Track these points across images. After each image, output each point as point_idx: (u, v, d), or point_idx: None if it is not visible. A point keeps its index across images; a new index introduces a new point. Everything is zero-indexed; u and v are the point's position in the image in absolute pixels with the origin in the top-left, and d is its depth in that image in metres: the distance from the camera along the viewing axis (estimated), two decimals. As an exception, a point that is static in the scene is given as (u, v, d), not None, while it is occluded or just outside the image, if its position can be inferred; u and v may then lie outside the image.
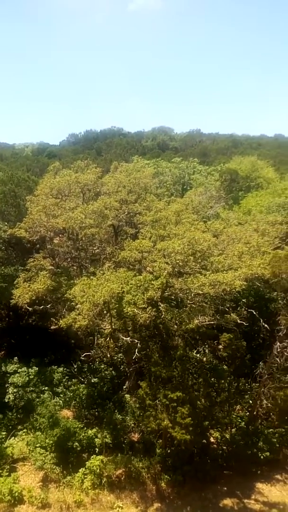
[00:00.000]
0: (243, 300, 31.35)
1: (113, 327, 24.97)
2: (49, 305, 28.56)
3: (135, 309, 22.10)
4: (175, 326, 26.21)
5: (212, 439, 25.33)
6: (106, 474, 22.83)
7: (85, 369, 29.73)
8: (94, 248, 31.68)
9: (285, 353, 24.12)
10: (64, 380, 28.79)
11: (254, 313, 28.53)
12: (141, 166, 45.45)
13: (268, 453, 24.04)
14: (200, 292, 23.26)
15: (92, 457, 23.19)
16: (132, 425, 25.76)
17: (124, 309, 22.68)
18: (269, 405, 25.11)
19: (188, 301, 24.31)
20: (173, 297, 25.46)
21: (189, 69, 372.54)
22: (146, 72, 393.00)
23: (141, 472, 23.47)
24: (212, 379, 25.87)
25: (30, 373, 27.60)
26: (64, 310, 26.22)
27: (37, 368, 28.11)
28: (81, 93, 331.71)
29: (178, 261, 23.27)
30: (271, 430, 25.17)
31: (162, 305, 23.90)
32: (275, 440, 24.66)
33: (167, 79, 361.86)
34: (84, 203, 31.77)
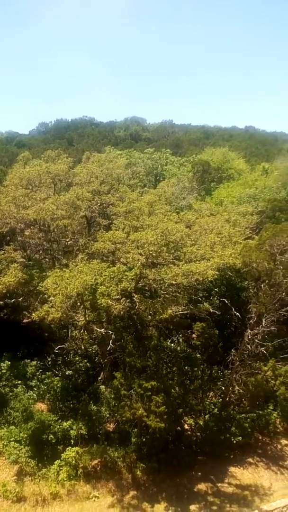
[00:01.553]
0: (215, 289, 31.92)
1: (87, 319, 24.86)
2: (21, 298, 28.06)
3: (109, 301, 22.07)
4: (149, 317, 26.37)
5: (186, 426, 25.81)
6: (82, 465, 22.88)
7: (59, 362, 29.52)
8: (67, 240, 31.30)
9: (256, 340, 24.77)
10: (37, 373, 28.47)
11: (226, 302, 29.14)
12: (114, 157, 45.06)
13: (240, 438, 24.75)
14: (174, 282, 23.49)
15: (67, 449, 23.16)
16: (108, 415, 25.87)
17: (98, 301, 22.60)
18: (241, 391, 25.81)
19: (161, 291, 24.49)
20: (147, 287, 25.57)
21: (160, 60, 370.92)
22: (117, 60, 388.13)
23: (117, 462, 23.68)
24: (186, 367, 26.30)
25: (2, 368, 27.15)
26: (37, 303, 25.85)
27: (9, 363, 27.65)
28: (51, 81, 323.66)
29: (151, 252, 23.35)
30: (243, 415, 25.90)
31: (136, 296, 23.98)
32: (247, 424, 25.40)
33: (138, 69, 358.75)
34: (56, 194, 31.26)
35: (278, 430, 27.26)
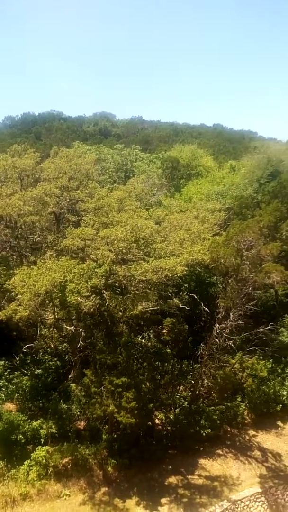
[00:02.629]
0: (185, 285, 32.34)
1: (56, 316, 24.53)
2: (-13, 296, 27.25)
3: (78, 298, 21.87)
4: (120, 313, 26.38)
5: (157, 421, 26.07)
6: (52, 464, 22.63)
7: (28, 361, 29.01)
8: (35, 237, 30.69)
9: (224, 334, 25.32)
10: (5, 373, 27.84)
11: (196, 297, 29.59)
12: (83, 152, 44.57)
13: (209, 430, 25.28)
14: (144, 278, 23.57)
15: (37, 448, 22.82)
16: (78, 413, 25.71)
17: (67, 298, 22.34)
18: (210, 384, 26.33)
19: (132, 287, 24.52)
20: (117, 284, 25.54)
21: (130, 55, 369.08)
22: (85, 53, 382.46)
23: (88, 459, 23.59)
24: (157, 362, 26.54)
25: None
26: (4, 301, 25.20)
27: (-25, 363, 26.90)
28: (16, 74, 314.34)
29: (121, 249, 23.31)
30: (212, 407, 26.45)
31: (106, 293, 23.90)
32: (216, 417, 25.97)
33: (107, 64, 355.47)
34: (23, 190, 30.53)
35: (246, 421, 28.06)
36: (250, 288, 24.43)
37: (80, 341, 24.26)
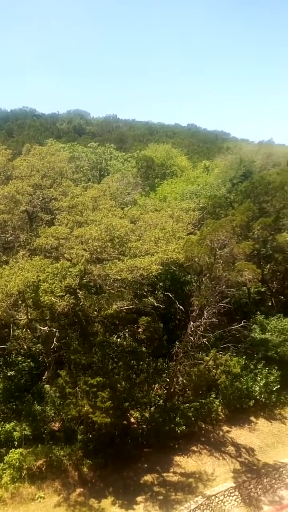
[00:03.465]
0: (160, 283, 32.50)
1: (29, 317, 24.12)
2: None
3: (52, 298, 21.55)
4: (95, 313, 26.18)
5: (132, 420, 26.10)
6: (26, 466, 22.26)
7: (1, 363, 28.38)
8: (7, 236, 29.96)
9: (198, 332, 25.60)
10: (-23, 376, 27.17)
11: (171, 295, 29.79)
12: (56, 150, 43.84)
13: (184, 427, 25.53)
14: (119, 277, 23.49)
15: (11, 451, 22.37)
16: (53, 414, 25.40)
17: (41, 298, 21.97)
18: (184, 381, 26.56)
19: (107, 287, 24.39)
20: (92, 283, 25.32)
21: (104, 53, 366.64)
22: (60, 50, 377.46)
23: (63, 460, 23.35)
24: (132, 361, 26.57)
25: None
26: (-25, 302, 24.51)
27: None
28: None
29: (96, 248, 23.15)
30: (187, 405, 26.72)
31: (80, 292, 23.67)
32: (190, 414, 26.26)
33: (82, 61, 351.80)
34: (-6, 187, 29.78)
35: (220, 418, 28.51)
36: (224, 286, 24.82)
37: (54, 342, 23.93)
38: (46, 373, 28.04)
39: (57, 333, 24.03)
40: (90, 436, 24.25)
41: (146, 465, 24.43)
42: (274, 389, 29.26)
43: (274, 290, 38.39)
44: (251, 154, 67.88)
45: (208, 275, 25.34)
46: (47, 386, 26.82)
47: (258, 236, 32.09)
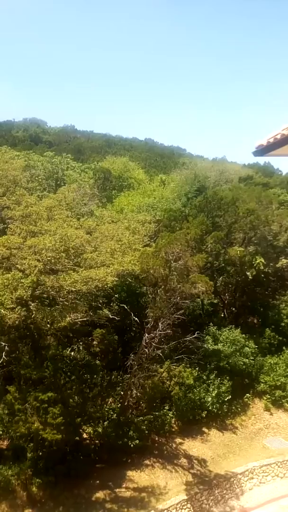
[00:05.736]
0: (115, 295, 32.35)
1: (-23, 330, 22.97)
2: None
3: (2, 310, 20.72)
4: (47, 325, 25.50)
5: (85, 435, 25.47)
6: None
7: None
8: None
9: (153, 344, 25.68)
10: None
11: (126, 307, 29.74)
12: (10, 157, 42.80)
13: (137, 441, 25.26)
14: (73, 289, 23.07)
15: None
16: (1, 432, 24.17)
17: (-11, 310, 21.04)
18: (139, 394, 26.44)
19: (60, 298, 23.86)
20: (45, 295, 24.67)
21: (63, 63, 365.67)
22: (15, 58, 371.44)
23: (10, 480, 22.18)
24: (86, 375, 26.03)
25: None
26: None
27: None
28: None
29: (50, 258, 22.63)
30: (140, 418, 26.52)
31: (32, 304, 22.96)
32: (144, 427, 26.05)
33: (39, 68, 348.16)
34: None
35: (173, 430, 28.59)
36: (178, 298, 25.15)
37: (3, 356, 22.93)
38: (-6, 389, 26.73)
39: (6, 347, 23.04)
40: (40, 453, 23.30)
41: (98, 482, 23.85)
42: (226, 399, 29.91)
43: (226, 301, 39.49)
44: (205, 170, 70.33)
45: (163, 287, 25.59)
46: (-6, 403, 25.55)
47: (211, 249, 33.05)
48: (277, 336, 35.83)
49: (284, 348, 35.33)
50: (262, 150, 11.59)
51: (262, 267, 34.53)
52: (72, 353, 28.25)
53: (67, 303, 24.27)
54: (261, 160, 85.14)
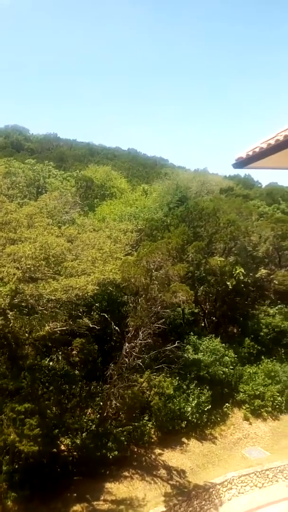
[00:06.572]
0: (96, 304, 32.14)
1: None
2: None
3: (-21, 318, 20.28)
4: (26, 334, 25.02)
5: (63, 447, 24.97)
6: None
7: None
8: None
9: (133, 353, 25.57)
10: None
11: (107, 316, 29.54)
12: (-9, 164, 42.27)
13: (116, 452, 24.90)
14: (53, 297, 22.79)
15: None
16: (-25, 445, 23.44)
17: None
18: (118, 404, 26.18)
19: (39, 307, 23.53)
20: (23, 303, 24.28)
21: (45, 68, 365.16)
22: None
23: (-16, 496, 21.54)
24: (64, 385, 25.65)
25: None
26: None
27: None
28: None
29: (29, 266, 22.32)
30: (119, 429, 26.23)
31: (10, 313, 22.54)
32: (123, 438, 25.77)
33: (22, 76, 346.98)
34: None
35: (152, 440, 28.35)
36: (159, 307, 25.21)
37: (-20, 366, 22.39)
38: None
39: (-17, 357, 22.53)
40: (16, 466, 22.71)
41: (75, 494, 23.35)
42: (205, 409, 29.92)
43: (206, 311, 39.78)
44: (187, 181, 71.10)
45: (144, 295, 25.60)
46: None
47: (192, 259, 33.36)
48: (256, 346, 36.23)
49: (262, 357, 35.75)
50: (242, 163, 11.84)
51: (242, 277, 35.05)
52: (51, 363, 27.83)
53: (46, 312, 23.94)
54: (242, 172, 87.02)
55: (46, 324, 23.14)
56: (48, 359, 28.11)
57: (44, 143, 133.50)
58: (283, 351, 36.69)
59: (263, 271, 37.63)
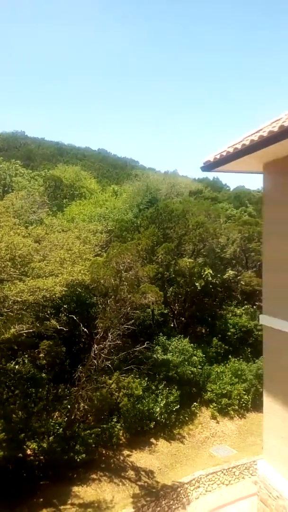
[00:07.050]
0: (64, 306, 31.71)
1: None
2: None
3: None
4: (-10, 337, 24.32)
5: (29, 451, 24.37)
6: None
7: None
8: None
9: (102, 355, 25.38)
10: None
11: (75, 318, 29.17)
12: None
13: (84, 455, 24.58)
14: (19, 299, 22.26)
15: None
16: None
17: None
18: (86, 407, 25.92)
19: (4, 309, 22.91)
20: (-12, 306, 23.59)
21: (12, 66, 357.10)
22: None
23: None
24: (31, 389, 25.10)
25: None
26: None
27: None
28: None
29: (-6, 267, 21.74)
30: (88, 431, 25.91)
31: (-26, 315, 21.86)
32: (91, 440, 25.47)
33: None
34: None
35: (121, 442, 28.22)
36: (129, 308, 25.16)
37: None
38: None
39: None
40: (-20, 474, 22.00)
41: (42, 499, 22.85)
42: (174, 409, 30.15)
43: (176, 312, 40.13)
44: (157, 182, 71.63)
45: (113, 297, 25.48)
46: None
47: (161, 260, 33.59)
48: (223, 345, 36.92)
49: (230, 356, 36.47)
50: (210, 166, 12.08)
51: (210, 278, 35.64)
52: (17, 366, 27.16)
53: (12, 314, 23.34)
54: (210, 175, 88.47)
55: (12, 327, 22.57)
56: (13, 362, 27.41)
57: (11, 140, 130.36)
58: (249, 350, 37.55)
59: (230, 272, 38.43)
